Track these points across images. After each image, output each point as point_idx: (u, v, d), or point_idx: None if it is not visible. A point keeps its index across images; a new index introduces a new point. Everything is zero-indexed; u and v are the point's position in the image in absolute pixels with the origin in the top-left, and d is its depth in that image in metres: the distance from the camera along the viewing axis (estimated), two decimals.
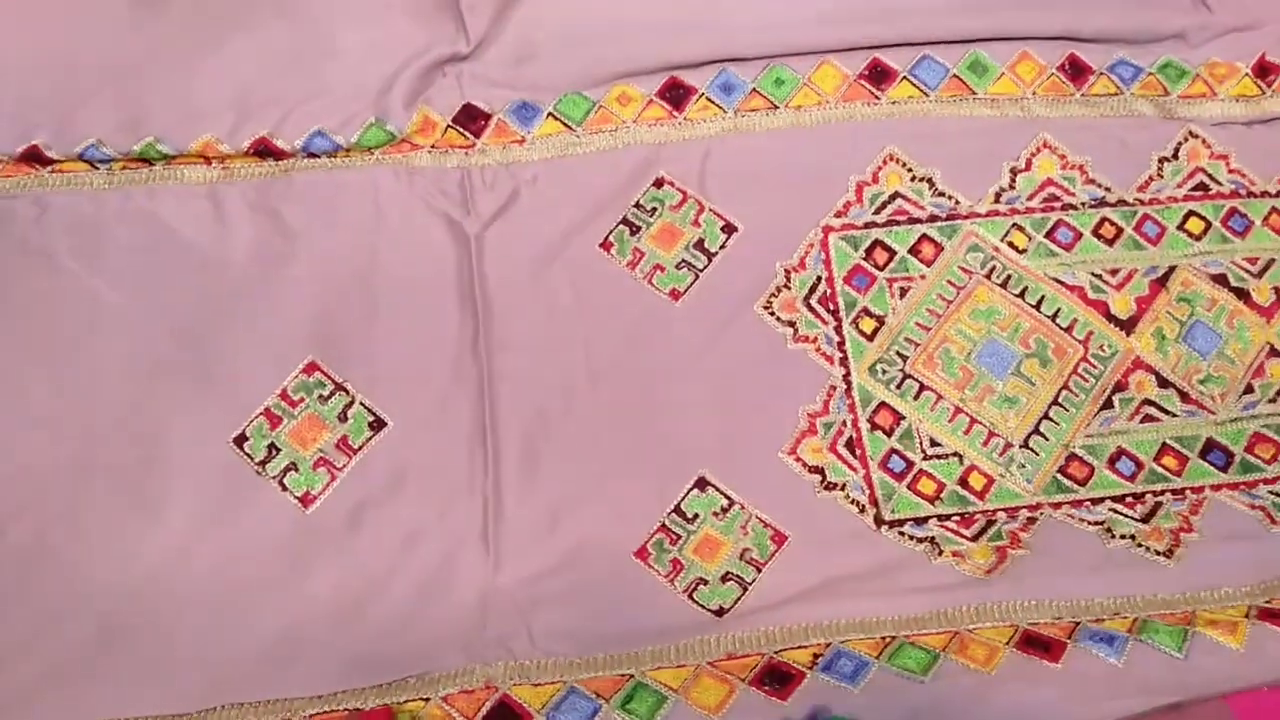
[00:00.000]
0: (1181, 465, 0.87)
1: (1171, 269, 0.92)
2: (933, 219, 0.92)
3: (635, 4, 0.94)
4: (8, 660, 0.75)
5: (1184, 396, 0.89)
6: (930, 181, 0.93)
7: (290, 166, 0.90)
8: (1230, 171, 0.95)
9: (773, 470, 0.85)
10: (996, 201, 0.93)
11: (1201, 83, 0.97)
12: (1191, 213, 0.94)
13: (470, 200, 0.91)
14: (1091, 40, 0.97)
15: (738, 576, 0.82)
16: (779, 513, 0.84)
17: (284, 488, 0.82)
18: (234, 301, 0.86)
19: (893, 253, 0.91)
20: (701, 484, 0.84)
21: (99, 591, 0.77)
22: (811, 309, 0.90)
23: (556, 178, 0.92)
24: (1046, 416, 0.88)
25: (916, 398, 0.88)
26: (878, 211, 0.92)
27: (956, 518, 0.85)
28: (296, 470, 0.82)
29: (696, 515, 0.83)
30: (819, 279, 0.90)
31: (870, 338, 0.89)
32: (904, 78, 0.95)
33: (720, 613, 0.81)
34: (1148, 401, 0.88)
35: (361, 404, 0.84)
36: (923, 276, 0.91)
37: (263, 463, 0.82)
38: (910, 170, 0.93)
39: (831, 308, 0.90)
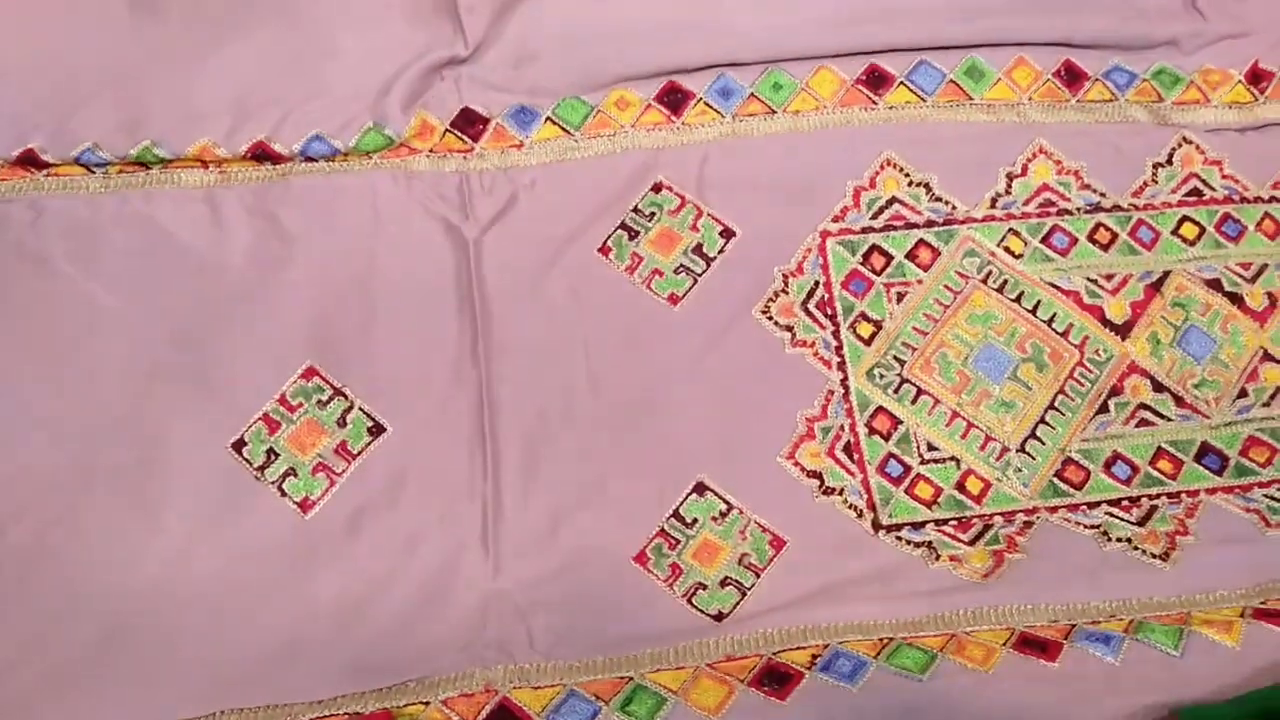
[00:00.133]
0: (1177, 469, 0.88)
1: (1166, 274, 0.93)
2: (930, 224, 0.93)
3: (633, 8, 0.94)
4: (7, 664, 0.75)
5: (1179, 401, 0.90)
6: (927, 186, 0.94)
7: (288, 170, 0.90)
8: (1224, 177, 0.96)
9: (771, 475, 0.85)
10: (993, 207, 0.94)
11: (1195, 89, 0.98)
12: (1185, 218, 0.94)
13: (469, 205, 0.91)
14: (1087, 46, 0.97)
15: (736, 581, 0.82)
16: (777, 517, 0.84)
17: (283, 493, 0.82)
18: (232, 306, 0.86)
19: (890, 258, 0.92)
20: (700, 488, 0.84)
21: (98, 596, 0.77)
22: (809, 314, 0.90)
23: (555, 182, 0.92)
24: (1043, 421, 0.88)
25: (914, 402, 0.88)
26: (875, 216, 0.93)
27: (954, 522, 0.85)
28: (295, 475, 0.82)
29: (695, 520, 0.84)
30: (817, 284, 0.91)
31: (868, 342, 0.90)
32: (901, 83, 0.96)
33: (719, 618, 0.81)
34: (1143, 406, 0.89)
35: (360, 409, 0.84)
36: (920, 281, 0.91)
37: (261, 468, 0.82)
38: (907, 175, 0.94)
39: (829, 312, 0.90)
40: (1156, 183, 0.95)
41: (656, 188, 0.92)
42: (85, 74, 0.89)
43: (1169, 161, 0.96)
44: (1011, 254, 0.92)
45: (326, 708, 0.76)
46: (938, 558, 0.83)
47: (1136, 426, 0.88)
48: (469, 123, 0.93)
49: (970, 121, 0.96)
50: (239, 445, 0.82)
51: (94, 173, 0.88)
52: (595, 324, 0.88)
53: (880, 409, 0.88)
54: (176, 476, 0.81)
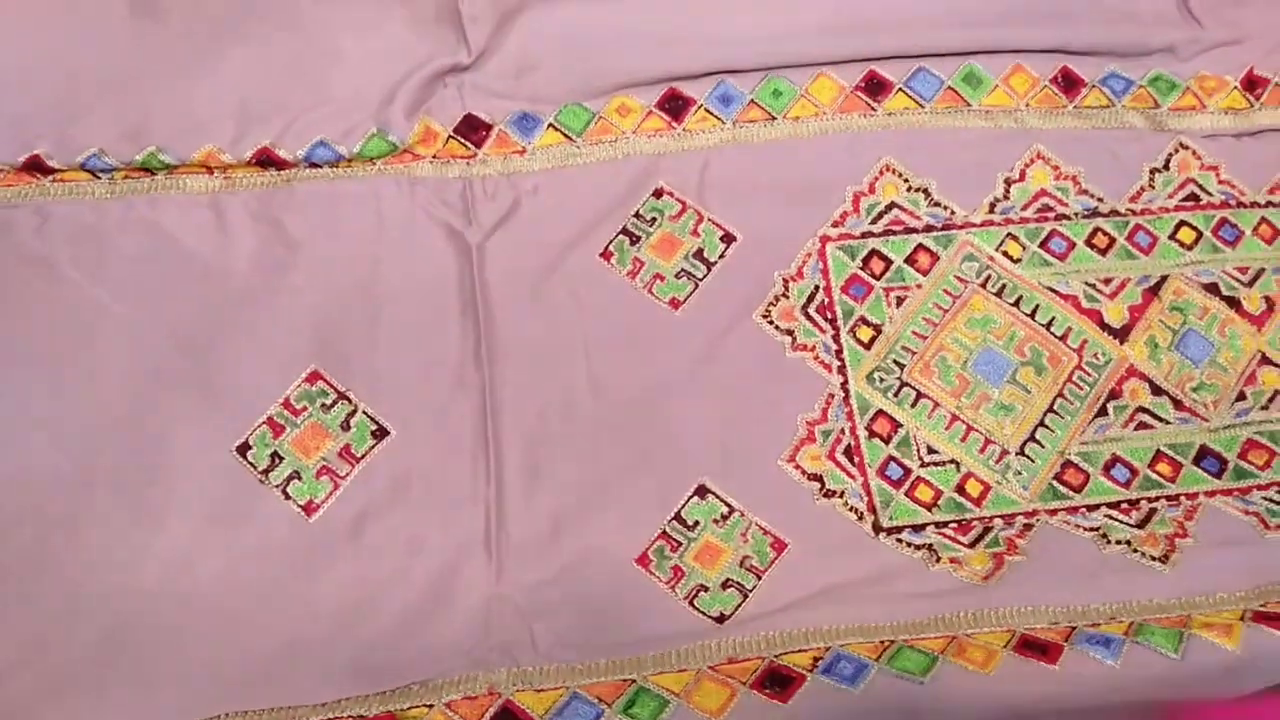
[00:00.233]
0: (1176, 472, 0.88)
1: (1164, 278, 0.93)
2: (928, 229, 0.94)
3: (635, 16, 0.95)
4: (9, 669, 0.75)
5: (1177, 404, 0.90)
6: (926, 192, 0.94)
7: (292, 176, 0.91)
8: (1220, 182, 0.97)
9: (772, 478, 0.86)
10: (991, 212, 0.94)
11: (1191, 95, 0.99)
12: (1183, 223, 0.95)
13: (472, 210, 0.91)
14: (1083, 53, 0.98)
15: (738, 583, 0.83)
16: (778, 520, 0.85)
17: (287, 496, 0.82)
18: (236, 311, 0.86)
19: (889, 262, 0.93)
20: (702, 491, 0.85)
21: (100, 598, 0.77)
22: (810, 318, 0.91)
23: (557, 188, 0.93)
24: (1042, 424, 0.89)
25: (914, 405, 0.89)
26: (874, 221, 0.94)
27: (954, 524, 0.85)
28: (299, 479, 0.82)
29: (697, 522, 0.84)
30: (817, 288, 0.91)
31: (868, 346, 0.90)
32: (900, 89, 0.97)
33: (721, 619, 0.81)
34: (1141, 409, 0.90)
35: (364, 413, 0.85)
36: (919, 286, 0.92)
37: (266, 471, 0.82)
38: (906, 181, 0.95)
39: (829, 316, 0.91)
40: (1154, 188, 0.96)
41: (658, 193, 0.93)
42: (90, 80, 0.90)
43: (1166, 167, 0.97)
44: (1010, 258, 0.93)
45: (330, 710, 0.76)
46: (938, 560, 0.84)
47: (1135, 429, 0.89)
48: (472, 129, 0.94)
49: (968, 127, 0.96)
50: (243, 449, 0.83)
51: (99, 178, 0.89)
52: (597, 328, 0.89)
53: (880, 412, 0.88)
54: (180, 480, 0.81)
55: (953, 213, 0.94)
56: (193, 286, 0.87)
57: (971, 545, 0.85)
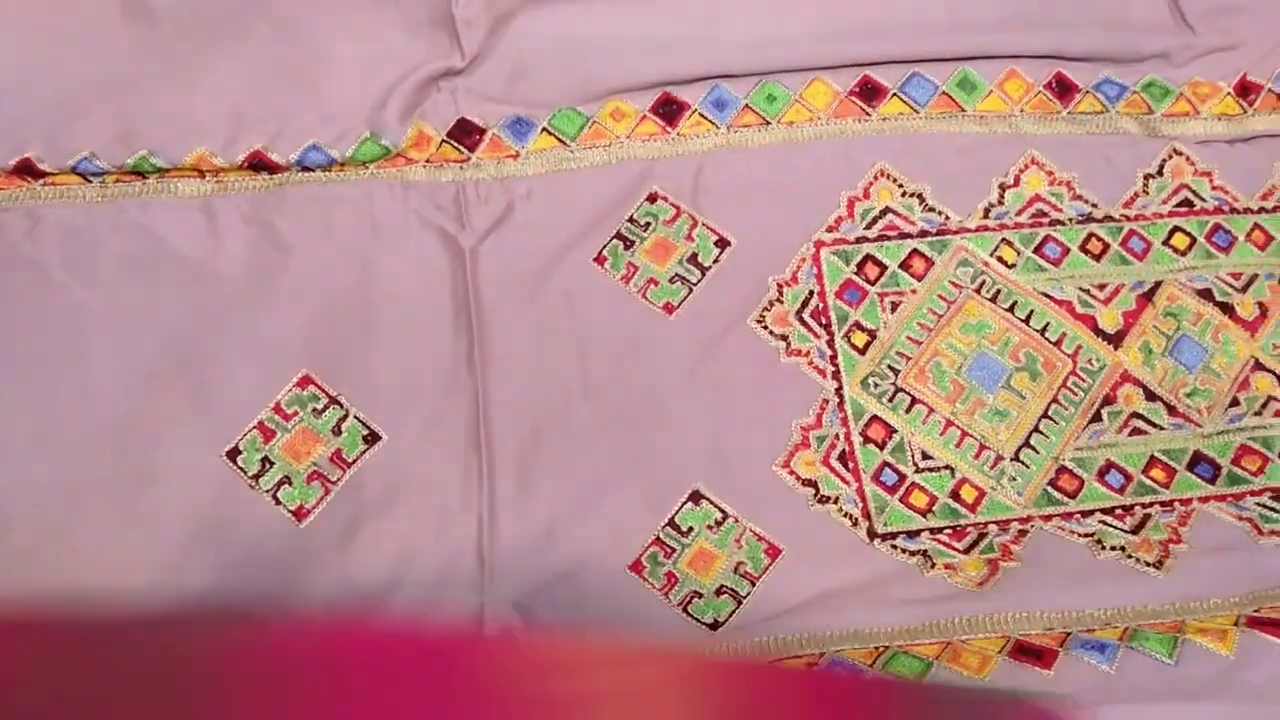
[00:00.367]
0: (1170, 477, 0.88)
1: (1158, 284, 0.93)
2: (923, 234, 0.93)
3: (629, 20, 0.95)
4: None
5: (1171, 410, 0.90)
6: (920, 197, 0.94)
7: (284, 180, 0.90)
8: (1214, 188, 0.97)
9: (766, 483, 0.85)
10: (985, 217, 0.94)
11: (1185, 101, 0.99)
12: (1176, 228, 0.95)
13: (465, 214, 0.91)
14: (1078, 59, 0.98)
15: (732, 590, 0.82)
16: (772, 526, 0.84)
17: (277, 502, 0.81)
18: (227, 314, 0.86)
19: (884, 267, 0.92)
20: (695, 497, 0.85)
21: (91, 604, 0.77)
22: (804, 323, 0.90)
23: (551, 192, 0.92)
24: (1036, 429, 0.89)
25: (908, 411, 0.88)
26: (869, 226, 0.93)
27: (948, 530, 0.85)
28: (290, 484, 0.82)
29: (691, 528, 0.84)
30: (811, 293, 0.91)
31: (862, 351, 0.90)
32: (894, 95, 0.97)
33: (715, 626, 0.81)
34: (1136, 415, 0.90)
35: (356, 417, 0.84)
36: (913, 291, 0.92)
37: (256, 476, 0.82)
38: (901, 186, 0.95)
39: (824, 322, 0.91)
40: (1148, 193, 0.96)
41: (652, 198, 0.93)
42: (81, 83, 0.89)
43: (1160, 173, 0.97)
44: (1004, 264, 0.93)
45: None
46: (933, 566, 0.83)
47: (1129, 435, 0.89)
48: (465, 133, 0.93)
49: (963, 133, 0.96)
50: (233, 454, 0.82)
51: (90, 182, 0.88)
52: (591, 333, 0.88)
53: (875, 418, 0.88)
54: (170, 485, 0.81)
55: (947, 218, 0.94)
56: (184, 290, 0.86)
57: (966, 551, 0.85)
